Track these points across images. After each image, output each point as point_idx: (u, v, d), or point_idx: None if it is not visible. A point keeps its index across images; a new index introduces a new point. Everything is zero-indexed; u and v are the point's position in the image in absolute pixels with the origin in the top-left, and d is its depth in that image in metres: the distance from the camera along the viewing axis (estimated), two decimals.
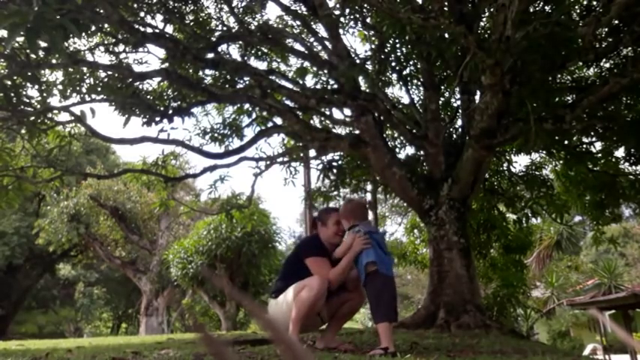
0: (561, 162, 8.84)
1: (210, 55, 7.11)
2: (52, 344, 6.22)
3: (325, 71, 7.84)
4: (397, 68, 7.79)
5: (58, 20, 3.59)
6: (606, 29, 6.09)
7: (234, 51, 18.93)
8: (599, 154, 8.44)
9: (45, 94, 6.49)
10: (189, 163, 23.22)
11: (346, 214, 3.40)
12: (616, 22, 5.82)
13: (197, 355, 3.13)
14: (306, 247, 3.46)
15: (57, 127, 7.33)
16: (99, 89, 6.84)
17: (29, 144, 7.36)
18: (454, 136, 8.22)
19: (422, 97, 7.73)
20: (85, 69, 6.95)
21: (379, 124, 7.00)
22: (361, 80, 7.44)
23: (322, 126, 8.41)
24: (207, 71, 7.79)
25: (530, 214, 9.27)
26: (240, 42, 7.97)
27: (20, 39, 4.93)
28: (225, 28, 8.04)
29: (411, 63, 7.72)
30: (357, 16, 7.81)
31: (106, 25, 6.67)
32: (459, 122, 8.04)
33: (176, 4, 7.40)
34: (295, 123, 7.01)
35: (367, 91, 7.26)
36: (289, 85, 7.50)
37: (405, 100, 8.89)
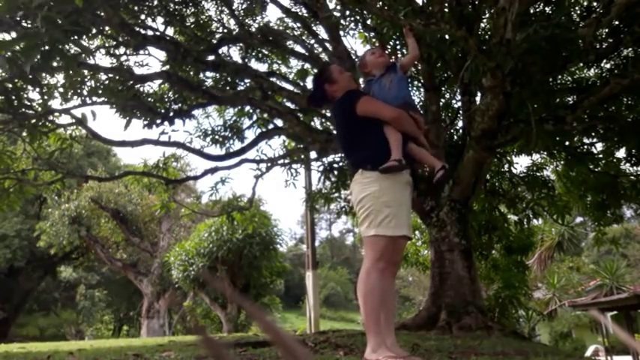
0: (562, 163, 8.83)
1: (211, 58, 7.12)
2: (54, 347, 6.22)
3: None
4: None
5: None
6: (607, 30, 6.09)
7: (234, 53, 18.97)
8: (600, 155, 8.43)
9: (46, 97, 6.51)
10: (190, 166, 23.24)
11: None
12: (616, 22, 5.82)
13: (198, 358, 3.13)
14: (351, 99, 3.04)
15: (58, 130, 7.34)
16: (100, 92, 6.85)
17: (30, 147, 7.37)
18: (455, 137, 8.22)
19: (423, 99, 7.72)
20: (85, 72, 6.96)
21: None
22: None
23: (323, 128, 8.41)
24: (208, 73, 7.80)
25: (531, 215, 9.25)
26: (241, 44, 7.98)
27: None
28: (225, 31, 8.05)
29: None
30: (358, 17, 7.81)
31: (106, 28, 6.68)
32: (460, 124, 8.04)
33: (177, 7, 7.41)
34: (296, 125, 7.03)
35: None
36: (290, 87, 7.51)
37: None
